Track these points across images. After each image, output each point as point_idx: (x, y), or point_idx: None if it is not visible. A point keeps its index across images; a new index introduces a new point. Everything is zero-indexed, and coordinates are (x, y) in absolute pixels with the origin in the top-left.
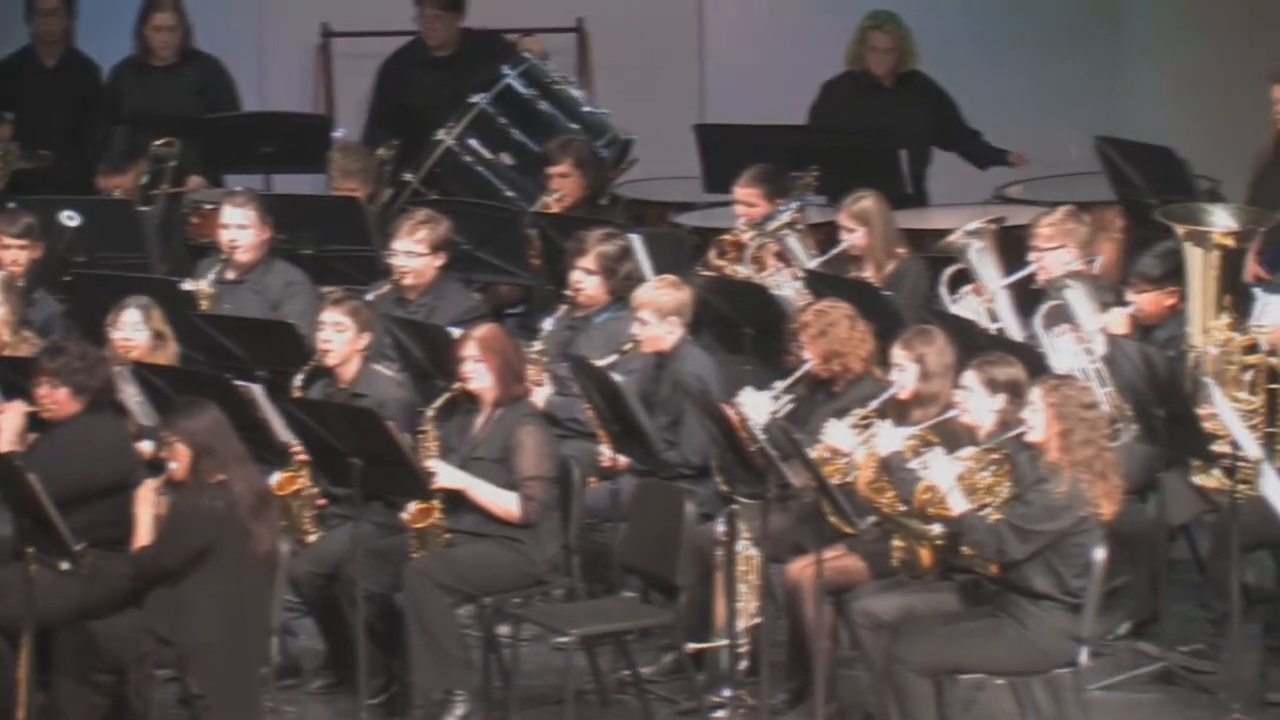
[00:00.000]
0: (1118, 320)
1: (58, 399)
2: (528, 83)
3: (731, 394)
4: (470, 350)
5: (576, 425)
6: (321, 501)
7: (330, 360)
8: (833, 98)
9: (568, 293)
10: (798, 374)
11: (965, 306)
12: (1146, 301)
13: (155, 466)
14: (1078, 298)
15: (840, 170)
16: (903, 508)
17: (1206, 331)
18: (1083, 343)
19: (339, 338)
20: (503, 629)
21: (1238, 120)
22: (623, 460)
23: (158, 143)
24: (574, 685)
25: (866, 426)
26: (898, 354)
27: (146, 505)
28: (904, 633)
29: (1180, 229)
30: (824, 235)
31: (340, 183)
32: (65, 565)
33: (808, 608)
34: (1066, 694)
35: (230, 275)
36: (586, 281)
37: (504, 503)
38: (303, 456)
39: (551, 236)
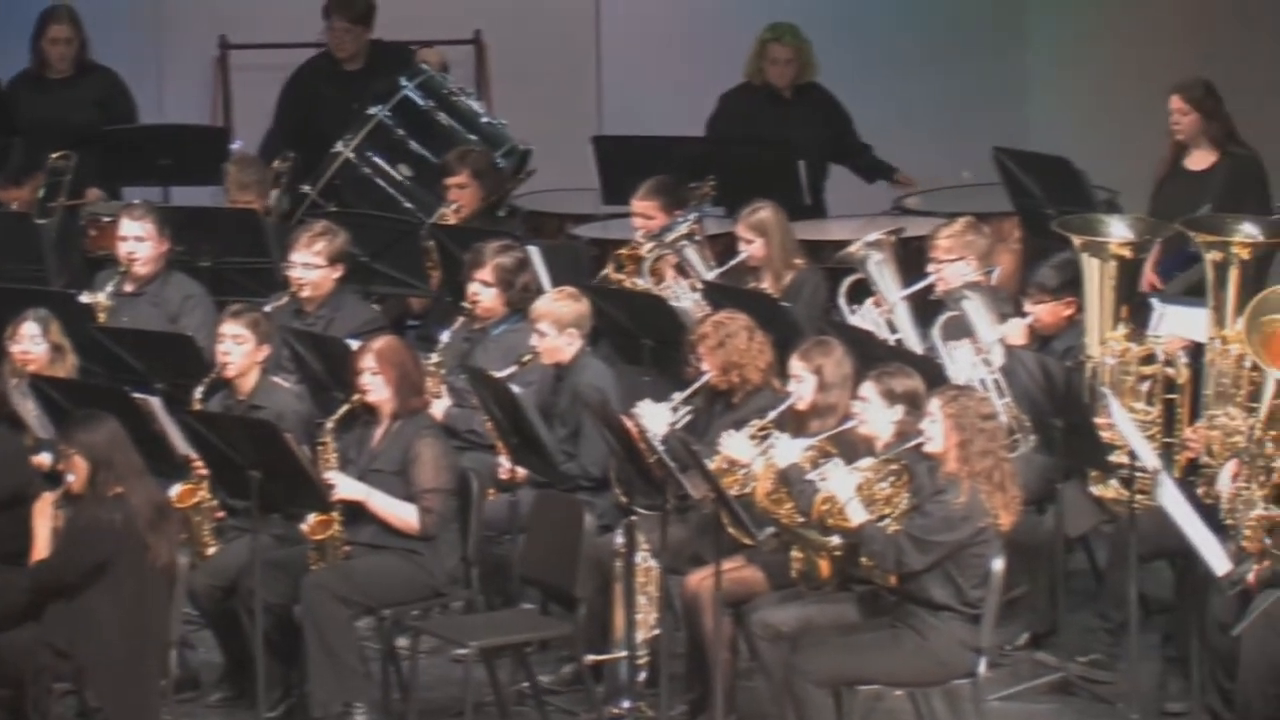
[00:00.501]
0: (1016, 331)
1: None
2: (425, 94)
3: (630, 405)
4: (368, 363)
5: (475, 437)
6: (220, 514)
7: (229, 372)
8: (730, 109)
9: (466, 304)
10: (696, 385)
11: (864, 318)
12: (1044, 312)
13: (53, 479)
14: (976, 309)
15: (738, 181)
16: (801, 519)
17: (1104, 342)
18: (981, 354)
19: (238, 350)
20: (401, 641)
21: (1138, 131)
22: (521, 472)
23: (55, 155)
24: (473, 697)
25: (765, 438)
26: (796, 365)
27: (44, 518)
28: (803, 644)
29: (1077, 240)
30: (722, 246)
31: (235, 195)
32: None
33: (706, 619)
34: (965, 704)
35: (128, 288)
36: (484, 293)
37: (403, 514)
38: (201, 469)
39: (449, 248)
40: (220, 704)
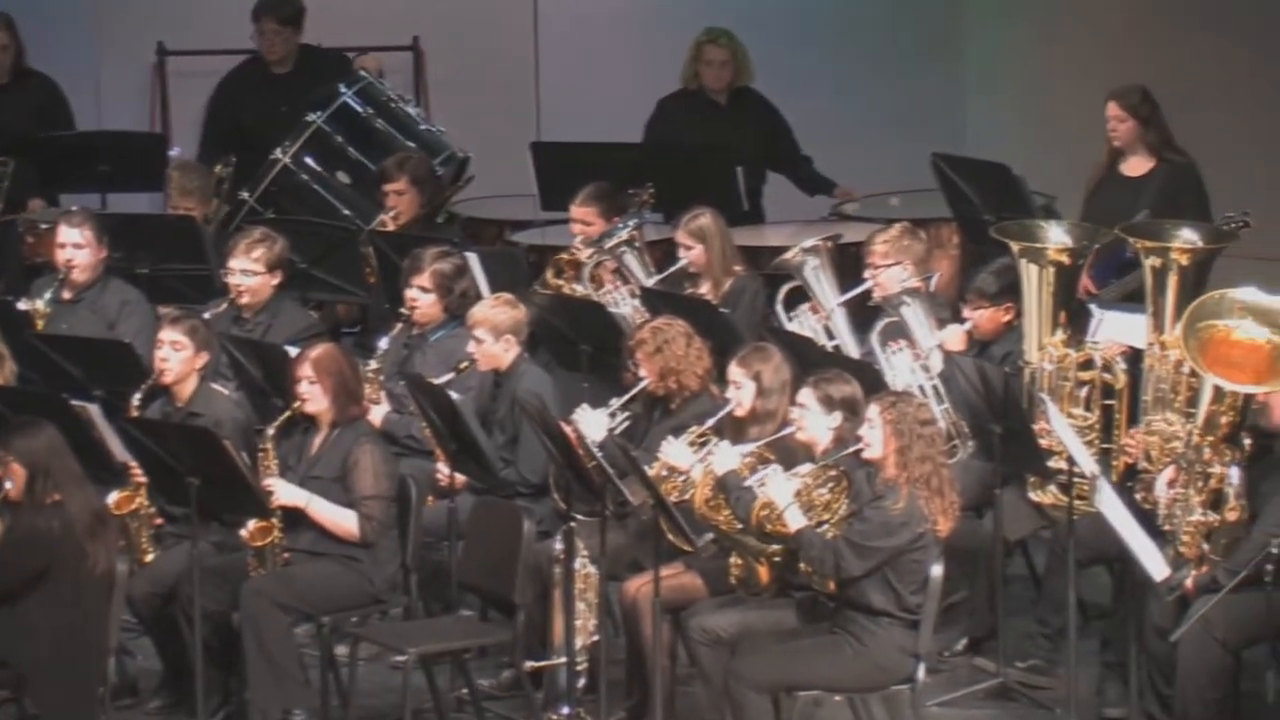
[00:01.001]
0: (954, 337)
1: None
2: (364, 101)
3: (569, 412)
4: (306, 371)
5: (414, 443)
6: (159, 521)
7: (168, 379)
8: (667, 115)
9: (404, 311)
10: (634, 391)
11: (802, 324)
12: (983, 318)
13: None
14: (914, 314)
15: (676, 188)
16: (740, 525)
17: (1042, 348)
18: (919, 359)
19: (176, 356)
20: (340, 648)
21: (1076, 138)
22: (460, 478)
23: None
24: (412, 704)
25: (703, 444)
26: (734, 371)
27: None
28: (742, 650)
29: (1015, 246)
30: (661, 253)
31: (178, 201)
32: None
33: (645, 625)
34: (904, 710)
35: (66, 295)
36: (422, 300)
37: (343, 521)
38: (140, 476)
39: (388, 254)
40: (159, 711)
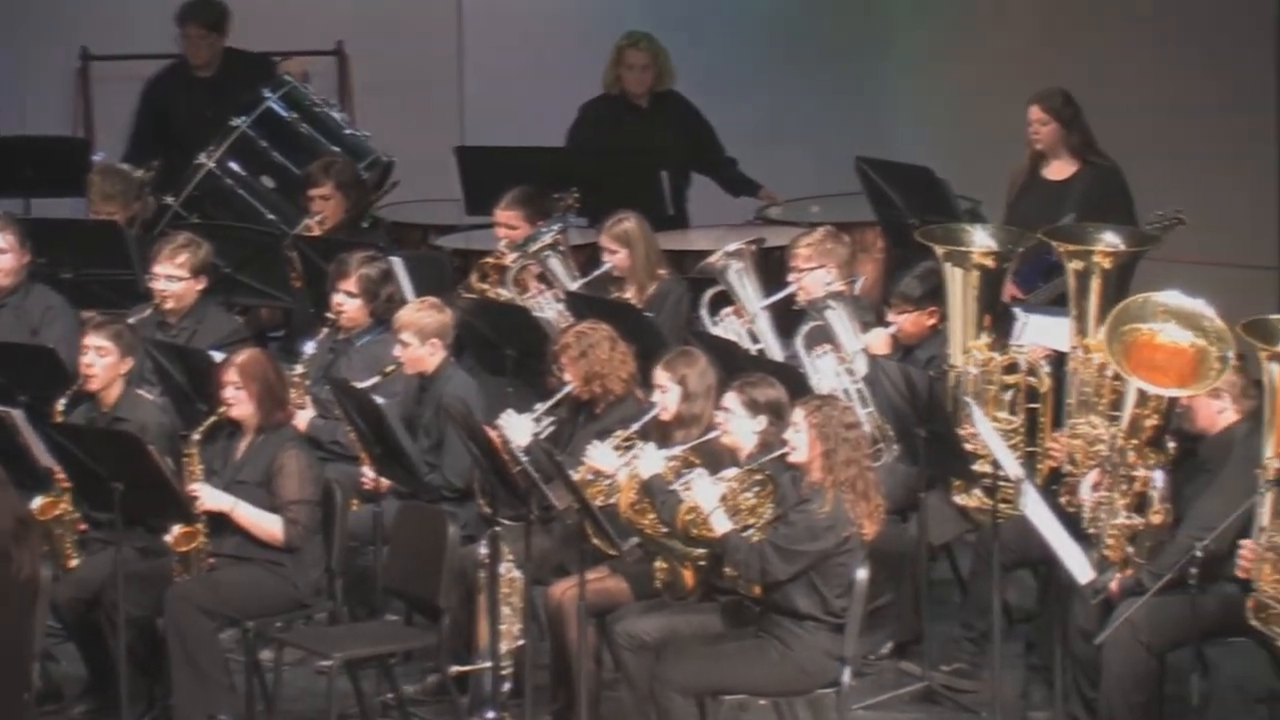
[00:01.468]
0: (879, 340)
1: None
2: (288, 105)
3: (494, 416)
4: (231, 377)
5: (339, 448)
6: (83, 526)
7: (92, 385)
8: (589, 120)
9: (329, 315)
10: (559, 396)
11: (726, 328)
12: (907, 322)
13: None
14: (838, 318)
15: (601, 192)
16: (665, 529)
17: (967, 351)
18: (844, 363)
19: (101, 362)
20: (266, 653)
21: (1000, 141)
22: (385, 483)
23: None
24: (337, 708)
25: (629, 448)
26: (659, 375)
27: None
28: (667, 654)
29: (940, 249)
30: (585, 257)
31: (100, 206)
32: None
33: (571, 629)
34: (829, 714)
35: None
36: (348, 304)
37: (268, 525)
38: (64, 481)
39: (313, 259)
40: (83, 717)
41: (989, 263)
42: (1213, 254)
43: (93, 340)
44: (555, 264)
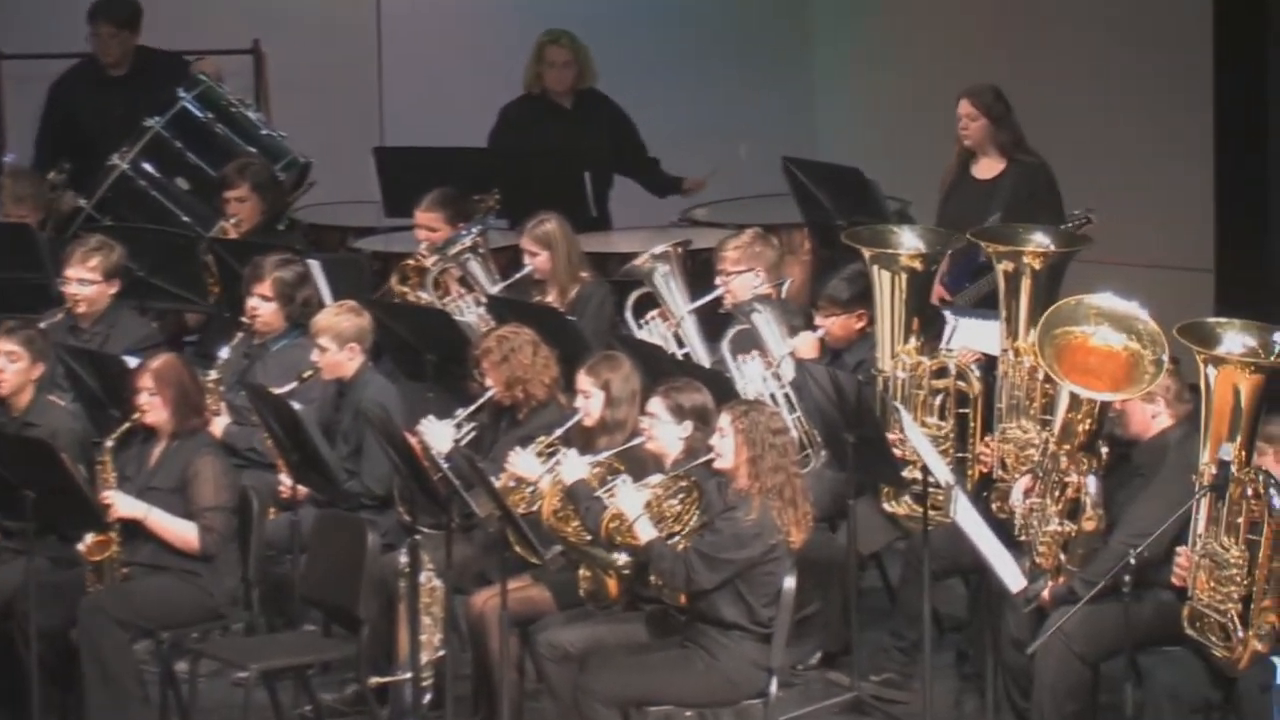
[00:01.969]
0: (806, 344)
1: None
2: (203, 105)
3: (413, 422)
4: (146, 382)
5: (255, 455)
6: None
7: (3, 390)
8: (510, 120)
9: (245, 319)
10: (481, 401)
11: (651, 331)
12: (835, 325)
13: None
14: (766, 322)
15: (522, 193)
16: (589, 537)
17: (895, 355)
18: (771, 367)
19: (12, 367)
20: (181, 664)
21: (930, 141)
22: (303, 490)
23: None
24: None
25: (551, 454)
26: (583, 380)
27: None
28: (591, 664)
29: (867, 251)
30: (507, 259)
31: (11, 209)
32: None
33: (492, 639)
34: None
35: None
36: (264, 308)
37: (182, 532)
38: None
39: (228, 262)
40: None
41: (916, 265)
42: (1148, 256)
43: (3, 345)
44: (476, 267)
